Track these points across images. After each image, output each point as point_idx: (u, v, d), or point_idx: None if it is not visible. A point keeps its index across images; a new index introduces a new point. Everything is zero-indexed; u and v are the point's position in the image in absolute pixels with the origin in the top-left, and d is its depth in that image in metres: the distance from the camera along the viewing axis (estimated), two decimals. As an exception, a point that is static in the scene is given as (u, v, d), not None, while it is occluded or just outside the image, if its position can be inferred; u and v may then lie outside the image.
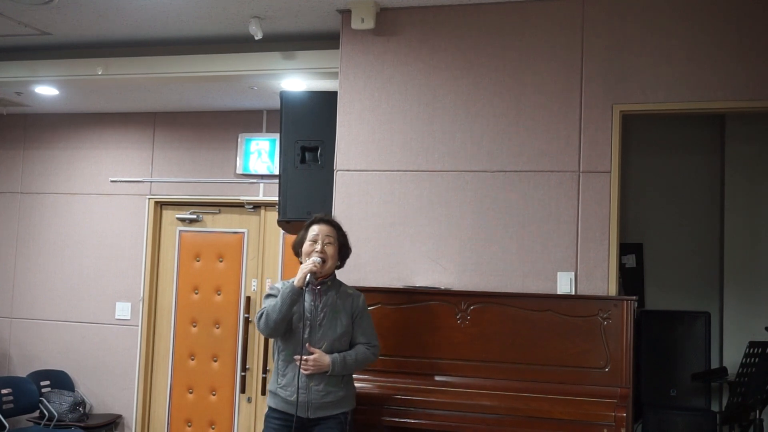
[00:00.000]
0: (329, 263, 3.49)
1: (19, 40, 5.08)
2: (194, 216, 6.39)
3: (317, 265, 3.40)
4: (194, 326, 6.26)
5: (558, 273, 3.88)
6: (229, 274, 6.21)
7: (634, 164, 5.44)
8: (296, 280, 3.36)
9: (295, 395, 3.38)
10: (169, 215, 6.47)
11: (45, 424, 5.84)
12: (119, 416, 6.29)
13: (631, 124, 4.70)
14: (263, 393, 5.93)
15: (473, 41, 4.13)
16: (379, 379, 3.87)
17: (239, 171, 6.22)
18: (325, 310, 3.47)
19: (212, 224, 6.36)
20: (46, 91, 5.69)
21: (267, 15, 4.43)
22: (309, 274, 3.36)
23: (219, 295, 6.22)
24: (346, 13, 4.28)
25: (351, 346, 3.53)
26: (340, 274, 4.11)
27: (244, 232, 6.24)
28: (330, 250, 3.49)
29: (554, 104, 3.98)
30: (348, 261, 4.14)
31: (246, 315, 6.08)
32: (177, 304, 6.34)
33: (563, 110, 3.96)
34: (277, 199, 4.47)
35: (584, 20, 3.99)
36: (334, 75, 4.48)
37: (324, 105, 4.37)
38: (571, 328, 3.71)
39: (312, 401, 3.40)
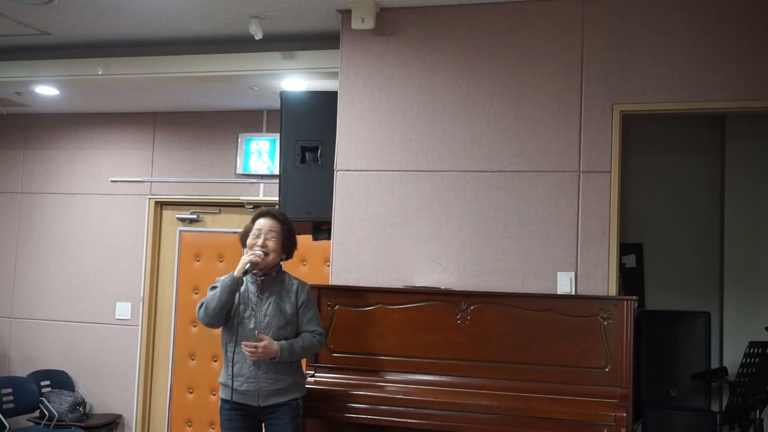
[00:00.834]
0: (271, 256, 3.60)
1: (19, 40, 5.08)
2: (194, 216, 6.39)
3: (258, 257, 3.52)
4: (194, 326, 6.26)
5: (558, 273, 3.88)
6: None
7: (634, 164, 5.44)
8: (236, 270, 3.50)
9: (246, 385, 3.51)
10: (169, 215, 6.47)
11: (45, 424, 5.85)
12: (119, 416, 6.30)
13: (631, 124, 4.70)
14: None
15: (473, 41, 4.13)
16: (379, 378, 3.87)
17: (239, 171, 6.22)
18: (269, 300, 3.59)
19: (212, 224, 6.37)
20: (46, 91, 5.69)
21: (267, 15, 4.43)
22: (248, 264, 3.49)
23: (219, 295, 6.22)
24: (346, 13, 4.28)
25: (297, 334, 3.63)
26: (341, 274, 4.12)
27: (244, 232, 6.23)
28: (271, 244, 3.61)
29: (554, 104, 3.98)
30: (348, 261, 4.17)
31: (246, 315, 6.08)
32: (177, 304, 6.34)
33: (563, 110, 3.96)
34: (277, 199, 4.48)
35: (584, 20, 3.99)
36: (334, 75, 4.48)
37: (324, 105, 4.37)
38: (571, 328, 3.71)
39: (262, 389, 3.52)
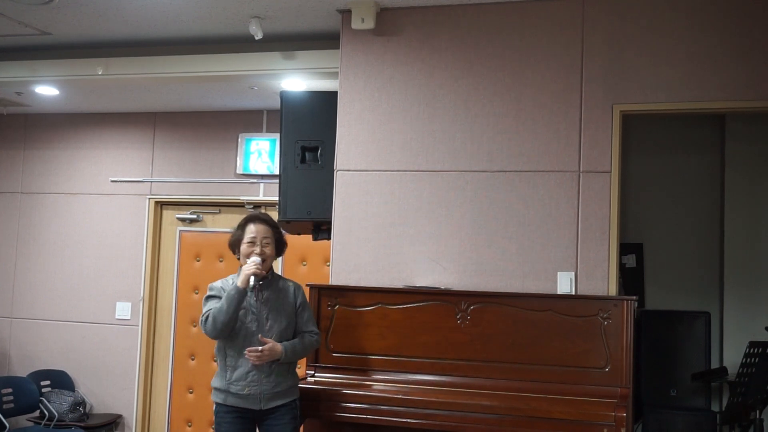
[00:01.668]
0: (269, 262, 3.64)
1: (19, 40, 5.08)
2: (194, 216, 6.39)
3: (259, 269, 3.51)
4: (194, 326, 6.26)
5: (558, 273, 3.88)
6: (229, 274, 6.19)
7: (634, 164, 5.44)
8: (239, 282, 3.48)
9: (248, 389, 3.52)
10: (170, 215, 6.47)
11: (45, 424, 5.85)
12: (119, 416, 6.30)
13: (631, 124, 4.70)
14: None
15: (473, 41, 4.13)
16: (379, 378, 3.87)
17: (239, 171, 6.22)
18: (268, 305, 3.60)
19: (212, 224, 6.37)
20: (46, 91, 5.69)
21: (267, 15, 4.43)
22: (252, 278, 3.47)
23: (219, 295, 6.22)
24: (346, 13, 4.28)
25: (295, 334, 3.67)
26: (341, 274, 4.11)
27: (244, 232, 6.23)
28: (268, 251, 3.63)
29: (554, 104, 3.98)
30: (348, 261, 4.18)
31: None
32: (177, 304, 6.34)
33: (563, 110, 3.96)
34: (277, 199, 4.47)
35: (584, 20, 3.99)
36: (334, 75, 4.48)
37: (324, 105, 4.37)
38: (571, 328, 3.71)
39: (264, 393, 3.54)
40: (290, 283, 3.72)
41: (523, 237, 3.95)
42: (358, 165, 4.23)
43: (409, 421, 3.66)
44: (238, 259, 3.68)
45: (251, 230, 3.63)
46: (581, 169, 3.91)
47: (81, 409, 6.09)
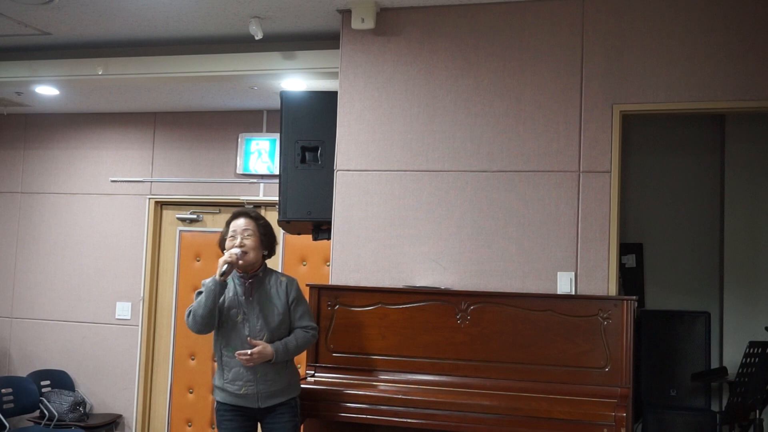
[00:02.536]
0: (251, 255, 3.55)
1: (19, 40, 5.08)
2: (194, 216, 6.39)
3: (233, 256, 3.46)
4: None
5: (558, 273, 3.88)
6: (229, 274, 6.21)
7: (634, 164, 5.44)
8: (216, 274, 3.47)
9: (245, 389, 3.51)
10: (170, 215, 6.47)
11: (45, 424, 5.85)
12: (119, 416, 6.30)
13: (631, 124, 4.70)
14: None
15: (473, 41, 4.13)
16: (379, 378, 3.87)
17: (239, 171, 6.22)
18: (260, 303, 3.56)
19: (212, 224, 6.37)
20: (46, 91, 5.70)
21: (267, 15, 4.43)
22: (225, 266, 3.44)
23: (219, 295, 6.22)
24: (346, 13, 4.28)
25: (290, 331, 3.61)
26: (341, 274, 4.11)
27: (244, 232, 6.23)
28: (249, 242, 3.56)
29: (554, 104, 3.98)
30: (348, 261, 4.17)
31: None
32: (177, 304, 6.34)
33: (563, 110, 3.97)
34: (277, 199, 4.48)
35: (584, 20, 3.99)
36: (334, 75, 4.48)
37: (324, 105, 4.37)
38: (571, 328, 3.71)
39: (261, 392, 3.51)
40: (283, 279, 3.65)
41: (523, 237, 3.95)
42: (358, 165, 4.23)
43: (409, 421, 3.66)
44: None
45: (233, 225, 3.61)
46: (581, 169, 3.91)
47: (81, 409, 6.09)
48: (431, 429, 3.64)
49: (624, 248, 4.94)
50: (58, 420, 5.87)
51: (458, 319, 3.86)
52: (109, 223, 6.48)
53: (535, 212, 3.95)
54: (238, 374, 3.52)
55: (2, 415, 5.54)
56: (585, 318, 3.70)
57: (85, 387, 6.39)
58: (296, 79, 4.94)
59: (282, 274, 3.71)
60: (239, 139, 6.23)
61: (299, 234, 4.75)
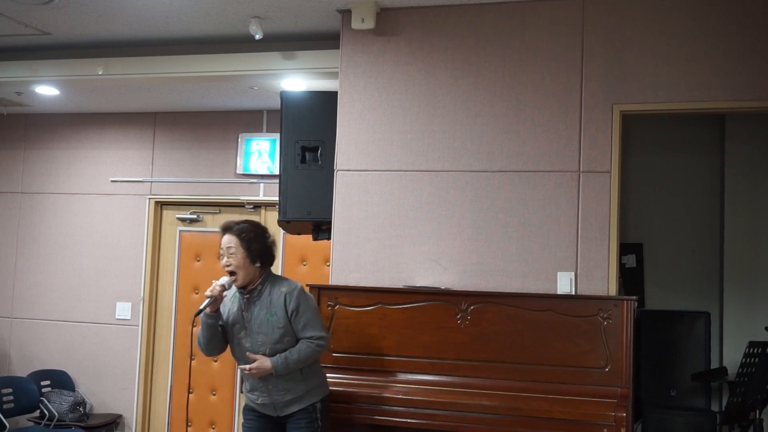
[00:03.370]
0: (241, 273, 3.45)
1: (19, 40, 5.08)
2: (194, 216, 6.39)
3: (216, 290, 3.43)
4: (194, 326, 6.24)
5: (558, 273, 3.88)
6: (229, 274, 6.20)
7: (634, 164, 5.44)
8: (199, 307, 3.47)
9: (261, 399, 3.52)
10: (170, 215, 6.47)
11: (45, 424, 5.85)
12: (119, 416, 6.30)
13: (631, 124, 4.70)
14: (242, 391, 5.95)
15: (473, 41, 4.13)
16: (379, 378, 3.87)
17: (239, 171, 6.22)
18: (259, 317, 3.49)
19: (212, 224, 6.37)
20: (46, 91, 5.70)
21: (267, 15, 4.43)
22: (206, 301, 3.43)
23: (219, 295, 6.22)
24: (346, 13, 4.28)
25: (297, 342, 3.52)
26: (341, 274, 4.10)
27: (244, 232, 6.23)
28: (234, 260, 3.45)
29: (554, 104, 3.98)
30: (348, 261, 4.16)
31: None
32: (177, 304, 6.34)
33: (563, 110, 3.96)
34: (277, 199, 4.47)
35: (584, 20, 3.99)
36: (334, 75, 4.48)
37: (324, 105, 4.37)
38: (571, 328, 3.71)
39: (276, 402, 3.51)
40: (283, 289, 3.50)
41: (523, 237, 3.95)
42: (358, 165, 4.23)
43: (409, 421, 3.66)
44: None
45: (221, 242, 3.53)
46: (581, 169, 3.91)
47: (81, 409, 6.09)
48: (431, 429, 3.64)
49: (624, 248, 4.93)
50: (58, 420, 5.87)
51: (458, 319, 3.86)
52: (109, 223, 6.48)
53: (535, 212, 3.95)
54: (254, 385, 3.53)
55: (2, 415, 5.53)
56: (585, 318, 3.70)
57: (85, 387, 6.39)
58: (296, 79, 4.94)
59: (284, 283, 3.54)
60: (239, 139, 6.23)
61: (299, 234, 4.75)
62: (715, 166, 5.40)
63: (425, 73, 4.18)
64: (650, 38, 3.90)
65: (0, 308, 6.67)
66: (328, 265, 4.59)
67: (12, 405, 5.70)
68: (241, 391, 3.70)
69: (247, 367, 3.44)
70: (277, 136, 5.17)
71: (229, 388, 6.14)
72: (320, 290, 4.05)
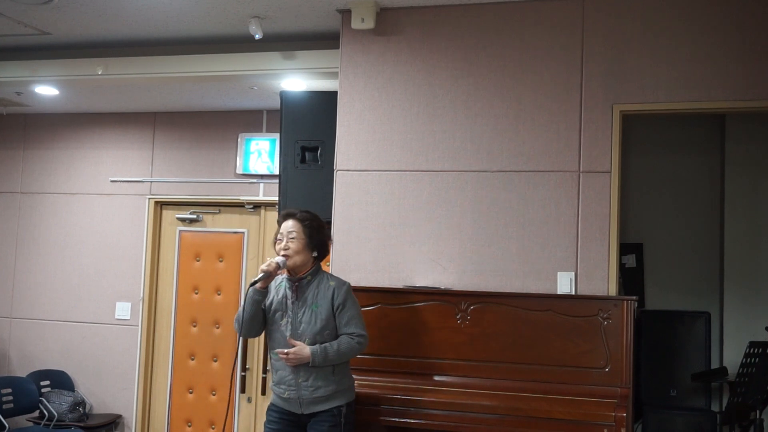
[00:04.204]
0: (296, 258, 3.50)
1: (19, 40, 5.08)
2: (194, 216, 6.39)
3: (271, 265, 3.45)
4: (194, 326, 6.26)
5: (558, 273, 3.88)
6: (229, 274, 6.21)
7: (634, 164, 5.44)
8: (253, 280, 3.47)
9: (287, 392, 3.48)
10: (169, 215, 6.47)
11: (45, 424, 5.84)
12: (119, 416, 6.29)
13: (631, 124, 4.70)
14: (263, 393, 5.94)
15: (473, 41, 4.13)
16: (379, 378, 3.87)
17: (239, 171, 6.22)
18: (305, 306, 3.51)
19: (212, 224, 6.36)
20: (46, 91, 5.69)
21: (267, 15, 4.43)
22: (261, 273, 3.44)
23: (219, 295, 6.22)
24: (346, 13, 4.28)
25: (336, 337, 3.52)
26: (341, 274, 4.10)
27: (244, 232, 6.24)
28: (293, 245, 3.50)
29: (554, 104, 3.98)
30: (348, 261, 4.16)
31: (246, 315, 6.07)
32: (177, 304, 6.34)
33: (563, 110, 3.97)
34: (277, 199, 4.48)
35: (584, 20, 3.99)
36: (334, 75, 4.48)
37: (324, 105, 4.37)
38: (571, 328, 3.71)
39: (303, 397, 3.46)
40: (332, 283, 3.55)
41: (523, 237, 3.95)
42: (358, 165, 4.23)
43: (409, 420, 3.66)
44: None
45: (280, 227, 3.58)
46: (581, 169, 3.91)
47: (81, 409, 6.08)
48: (431, 429, 3.64)
49: (624, 248, 4.93)
50: (57, 420, 5.87)
51: (458, 319, 3.86)
52: (109, 223, 6.48)
53: (535, 212, 3.95)
54: (282, 378, 3.49)
55: (2, 415, 5.53)
56: (585, 318, 3.70)
57: (85, 387, 6.39)
58: (296, 79, 4.94)
59: (333, 278, 3.61)
60: (239, 139, 6.23)
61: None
62: (715, 166, 5.40)
63: (425, 73, 4.18)
64: (650, 38, 3.90)
65: (0, 308, 6.66)
66: (328, 265, 4.59)
67: (11, 405, 5.70)
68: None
69: (285, 351, 3.42)
70: (277, 136, 5.17)
71: (229, 388, 6.13)
72: (320, 290, 4.05)
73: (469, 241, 4.03)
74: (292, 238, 3.51)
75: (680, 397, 4.90)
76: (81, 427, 5.87)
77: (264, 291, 3.51)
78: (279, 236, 3.55)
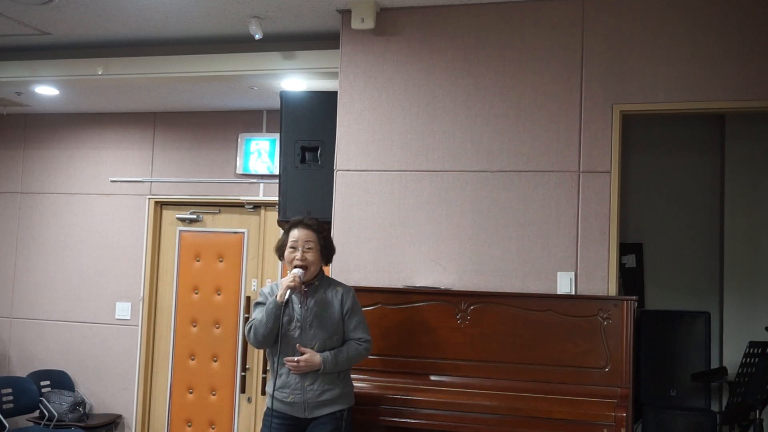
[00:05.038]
0: (311, 269, 3.49)
1: (19, 40, 5.08)
2: (194, 216, 6.39)
3: (297, 280, 3.40)
4: (194, 326, 6.26)
5: (558, 273, 3.88)
6: (229, 274, 6.21)
7: (634, 164, 5.44)
8: (278, 296, 3.39)
9: (292, 397, 3.44)
10: (169, 215, 6.47)
11: (45, 424, 5.84)
12: (119, 416, 6.29)
13: (631, 124, 4.70)
14: (263, 393, 5.93)
15: (473, 41, 4.13)
16: (379, 378, 3.87)
17: (239, 171, 6.22)
18: (314, 311, 3.48)
19: (212, 224, 6.37)
20: (46, 91, 5.69)
21: (267, 15, 4.43)
22: (288, 291, 3.38)
23: (219, 295, 6.23)
24: (346, 13, 4.28)
25: (343, 341, 3.53)
26: (341, 274, 4.10)
27: (244, 232, 6.24)
28: (310, 256, 3.49)
29: (554, 104, 3.98)
30: (348, 261, 4.16)
31: (246, 315, 6.08)
32: (177, 304, 6.34)
33: (563, 110, 3.97)
34: (277, 199, 4.48)
35: (584, 20, 3.99)
36: (334, 75, 4.48)
37: (324, 105, 4.37)
38: (571, 328, 3.71)
39: (308, 401, 3.43)
40: (339, 288, 3.56)
41: (523, 237, 3.95)
42: (358, 165, 4.23)
43: (409, 420, 3.66)
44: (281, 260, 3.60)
45: (294, 235, 3.51)
46: (581, 169, 3.91)
47: (81, 409, 6.08)
48: (431, 429, 3.64)
49: (624, 248, 4.93)
50: (57, 420, 5.87)
51: (458, 319, 3.86)
52: (109, 223, 6.48)
53: (535, 212, 3.95)
54: (286, 382, 3.45)
55: (2, 415, 5.53)
56: (585, 318, 3.70)
57: (85, 387, 6.39)
58: (296, 79, 4.94)
59: (338, 283, 3.62)
60: (239, 139, 6.23)
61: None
62: (715, 166, 5.40)
63: (425, 73, 4.18)
64: (650, 38, 3.90)
65: (0, 308, 6.66)
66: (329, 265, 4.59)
67: (12, 405, 5.70)
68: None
69: (296, 358, 3.39)
70: (277, 136, 5.17)
71: (229, 388, 6.13)
72: (320, 290, 4.05)
73: (469, 241, 4.03)
74: (309, 248, 3.49)
75: (680, 397, 4.90)
76: (81, 427, 5.87)
77: (283, 305, 3.42)
78: (292, 244, 3.50)
